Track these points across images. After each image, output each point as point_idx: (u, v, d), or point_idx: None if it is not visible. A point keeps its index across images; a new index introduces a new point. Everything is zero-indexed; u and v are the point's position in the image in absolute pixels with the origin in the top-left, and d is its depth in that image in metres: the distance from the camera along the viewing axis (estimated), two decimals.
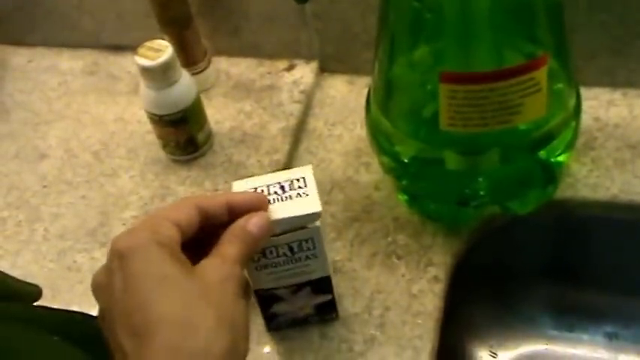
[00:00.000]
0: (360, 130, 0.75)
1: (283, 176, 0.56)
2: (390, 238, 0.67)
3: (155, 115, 0.70)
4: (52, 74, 0.86)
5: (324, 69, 0.82)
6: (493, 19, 0.55)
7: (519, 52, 0.57)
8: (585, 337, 0.76)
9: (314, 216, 0.53)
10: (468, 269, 0.67)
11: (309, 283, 0.57)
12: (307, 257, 0.55)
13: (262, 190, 0.55)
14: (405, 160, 0.63)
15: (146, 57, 0.67)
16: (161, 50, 0.67)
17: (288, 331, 0.62)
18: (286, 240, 0.54)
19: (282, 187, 0.55)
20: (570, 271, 0.74)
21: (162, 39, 0.70)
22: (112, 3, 0.82)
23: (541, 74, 0.55)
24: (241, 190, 0.55)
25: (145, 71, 0.67)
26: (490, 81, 0.54)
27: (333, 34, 0.78)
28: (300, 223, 0.53)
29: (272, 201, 0.54)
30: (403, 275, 0.64)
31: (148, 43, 0.68)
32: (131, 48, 0.85)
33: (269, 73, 0.82)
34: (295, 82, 0.80)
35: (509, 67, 0.55)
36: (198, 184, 0.72)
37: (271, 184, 0.55)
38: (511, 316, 0.77)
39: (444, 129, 0.57)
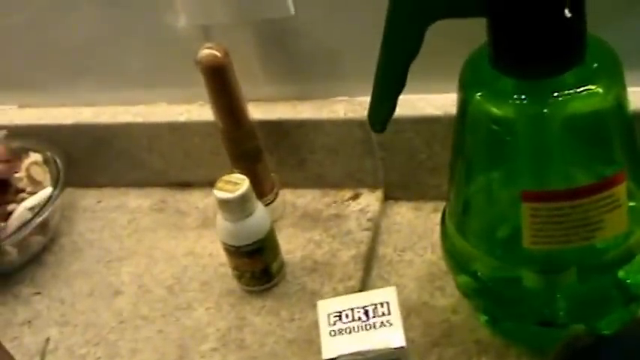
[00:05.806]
0: (431, 255, 0.75)
1: (367, 299, 0.57)
2: None
3: (232, 246, 0.71)
4: (121, 212, 0.88)
5: (388, 196, 0.83)
6: (565, 140, 0.56)
7: (594, 170, 0.58)
8: None
9: (398, 350, 0.54)
10: None
11: None
12: None
13: (347, 315, 0.56)
14: (484, 279, 0.63)
15: (225, 190, 0.69)
16: (238, 184, 0.69)
17: None
18: None
19: (367, 313, 0.56)
20: None
21: (231, 173, 0.72)
22: (181, 141, 0.85)
23: (620, 190, 0.55)
24: (326, 311, 0.56)
25: (224, 204, 0.69)
26: (571, 198, 0.55)
27: (398, 163, 0.80)
28: (383, 356, 0.54)
29: (356, 329, 0.55)
30: None
31: (225, 177, 0.70)
32: (197, 184, 0.88)
33: (334, 202, 0.83)
34: (362, 210, 0.81)
35: (589, 184, 0.56)
36: (274, 314, 0.72)
37: (355, 308, 0.56)
38: None
39: (528, 247, 0.57)
